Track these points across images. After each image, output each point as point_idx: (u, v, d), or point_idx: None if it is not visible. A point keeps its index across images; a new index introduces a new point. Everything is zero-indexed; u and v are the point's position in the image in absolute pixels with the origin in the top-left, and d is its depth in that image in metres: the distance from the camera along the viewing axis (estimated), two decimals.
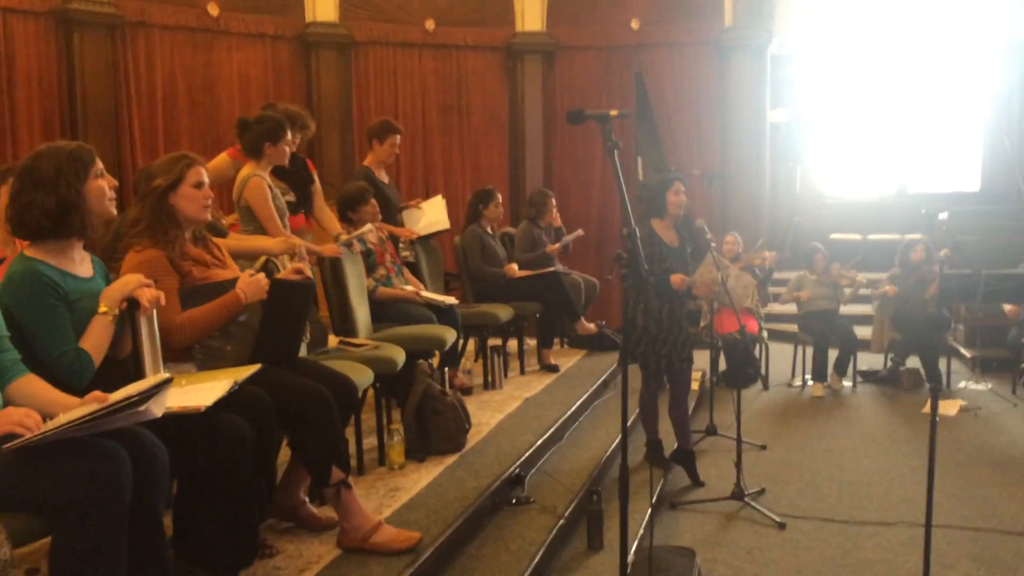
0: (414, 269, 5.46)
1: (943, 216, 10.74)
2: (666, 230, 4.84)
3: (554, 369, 5.94)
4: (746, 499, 4.58)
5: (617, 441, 4.89)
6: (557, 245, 6.74)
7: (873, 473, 5.14)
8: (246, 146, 4.10)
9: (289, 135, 4.24)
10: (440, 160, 10.21)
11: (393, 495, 3.40)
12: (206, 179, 2.94)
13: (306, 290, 2.91)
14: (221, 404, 2.34)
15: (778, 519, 4.36)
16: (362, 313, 4.48)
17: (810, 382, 7.38)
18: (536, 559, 3.25)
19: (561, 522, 3.62)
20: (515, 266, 6.04)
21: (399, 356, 3.87)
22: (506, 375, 5.71)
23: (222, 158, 4.63)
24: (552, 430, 4.53)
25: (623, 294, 3.62)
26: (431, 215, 5.74)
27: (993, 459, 5.40)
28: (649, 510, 4.15)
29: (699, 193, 10.13)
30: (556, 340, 6.75)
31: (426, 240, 5.67)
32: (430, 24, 9.94)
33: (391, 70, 9.95)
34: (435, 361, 4.71)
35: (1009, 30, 11.29)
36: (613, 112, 2.54)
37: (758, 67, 10.36)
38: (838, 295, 7.65)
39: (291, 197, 4.58)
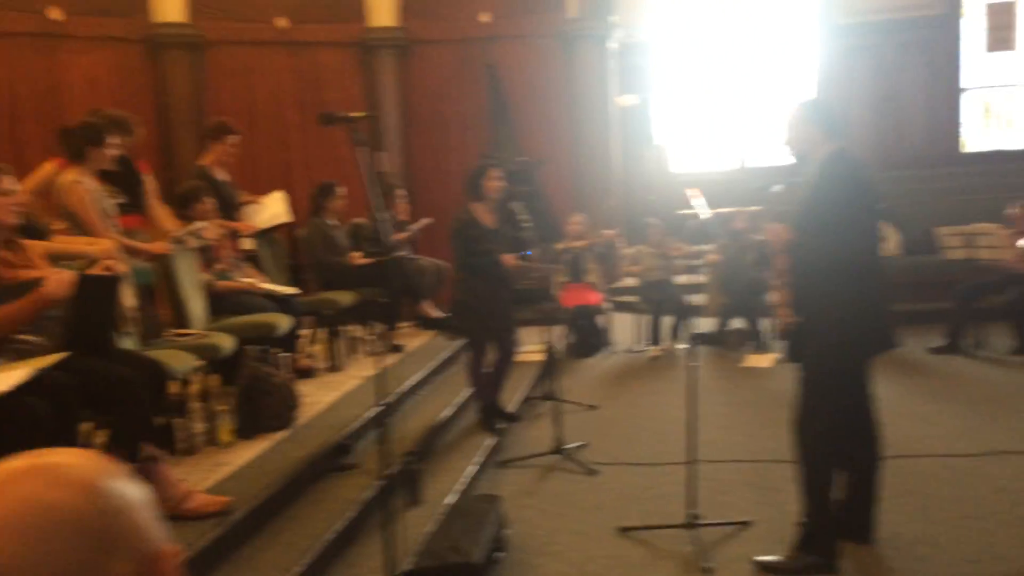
0: (256, 262, 5.73)
1: (776, 188, 11.61)
2: (485, 213, 5.26)
3: (398, 349, 6.32)
4: (564, 452, 5.07)
5: (449, 408, 5.32)
6: (404, 234, 7.13)
7: (685, 422, 5.70)
8: (68, 152, 4.31)
9: (112, 139, 4.48)
10: (300, 156, 10.39)
11: (217, 469, 3.72)
12: (15, 186, 3.18)
13: (110, 284, 3.19)
14: (24, 389, 2.61)
15: (591, 467, 4.87)
16: (196, 306, 4.75)
17: (649, 347, 7.98)
18: (351, 517, 3.62)
19: (379, 482, 3.99)
20: (357, 255, 6.38)
21: (225, 343, 4.17)
22: (352, 357, 6.06)
23: (45, 167, 4.79)
24: (384, 403, 4.89)
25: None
26: (271, 209, 6.02)
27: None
28: (471, 467, 4.60)
29: (553, 176, 10.70)
30: (410, 323, 7.14)
31: (267, 234, 5.95)
32: (282, 22, 10.09)
33: (245, 69, 10.06)
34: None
35: (829, 14, 12.23)
36: (356, 114, 2.91)
37: (601, 56, 10.92)
38: (671, 265, 8.27)
39: (123, 199, 4.79)
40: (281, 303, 5.25)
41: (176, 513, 3.09)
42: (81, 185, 4.22)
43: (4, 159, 8.29)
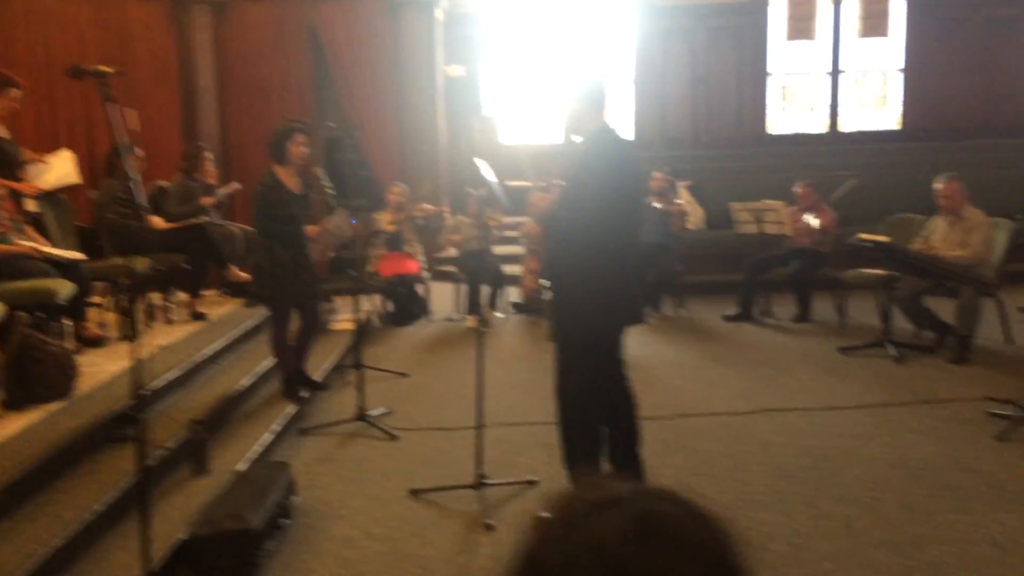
0: (40, 225, 5.38)
1: None
2: (290, 177, 5.16)
3: (201, 317, 6.12)
4: (367, 419, 5.09)
5: (249, 377, 5.22)
6: (211, 199, 6.88)
7: (490, 387, 5.85)
8: None
9: None
10: (102, 114, 9.77)
11: None
12: None
13: None
14: None
15: (393, 433, 4.92)
16: None
17: (466, 316, 8.09)
18: (125, 488, 3.50)
19: (161, 452, 3.89)
20: (158, 219, 6.11)
21: None
22: (150, 326, 5.82)
23: None
24: (175, 373, 4.75)
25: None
26: (58, 169, 5.65)
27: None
28: (267, 435, 4.54)
29: (379, 145, 10.61)
30: (217, 291, 6.92)
31: (53, 195, 5.59)
32: None
33: (43, 19, 9.36)
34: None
35: None
36: (106, 68, 2.79)
37: (428, 23, 10.88)
38: (489, 236, 8.40)
39: None
40: (64, 268, 4.97)
41: None
42: None
43: None
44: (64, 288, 4.60)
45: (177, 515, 3.53)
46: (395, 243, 8.29)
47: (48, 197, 5.54)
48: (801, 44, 13.15)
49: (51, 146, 8.73)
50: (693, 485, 4.04)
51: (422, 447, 4.74)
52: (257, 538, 3.29)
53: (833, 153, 12.44)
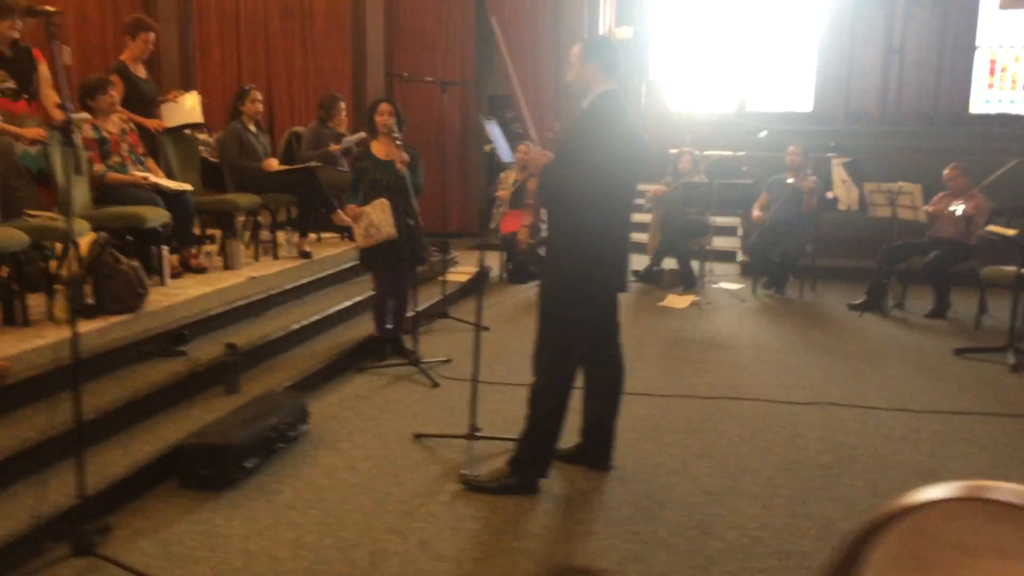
0: (160, 158, 5.95)
1: (763, 135, 11.45)
2: (381, 147, 5.38)
3: (307, 256, 6.54)
4: (420, 364, 5.28)
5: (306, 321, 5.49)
6: (339, 146, 7.31)
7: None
8: None
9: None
10: (283, 64, 10.55)
11: (37, 341, 4.00)
12: None
13: None
14: None
15: (437, 381, 5.08)
16: (77, 192, 5.00)
17: None
18: (151, 396, 3.90)
19: (199, 369, 4.27)
20: (274, 161, 6.57)
21: (65, 227, 4.39)
22: (257, 259, 6.32)
23: None
24: (244, 303, 5.15)
25: None
26: (186, 109, 6.22)
27: (677, 341, 6.17)
28: (317, 366, 4.85)
29: (536, 105, 10.67)
30: (338, 234, 7.37)
31: (176, 132, 6.15)
32: None
33: None
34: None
35: None
36: (51, 8, 2.93)
37: None
38: None
39: (11, 84, 5.03)
40: (171, 198, 5.49)
41: None
42: None
43: None
44: (154, 215, 5.09)
45: (191, 425, 3.87)
46: (519, 201, 8.38)
47: (173, 133, 6.11)
48: (1018, 15, 11.77)
49: (232, 89, 9.64)
50: (690, 466, 3.90)
51: (458, 397, 4.84)
52: (236, 455, 3.56)
53: None
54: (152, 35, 6.05)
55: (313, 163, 6.58)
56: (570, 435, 3.82)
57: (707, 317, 6.95)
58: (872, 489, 3.68)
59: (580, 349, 3.61)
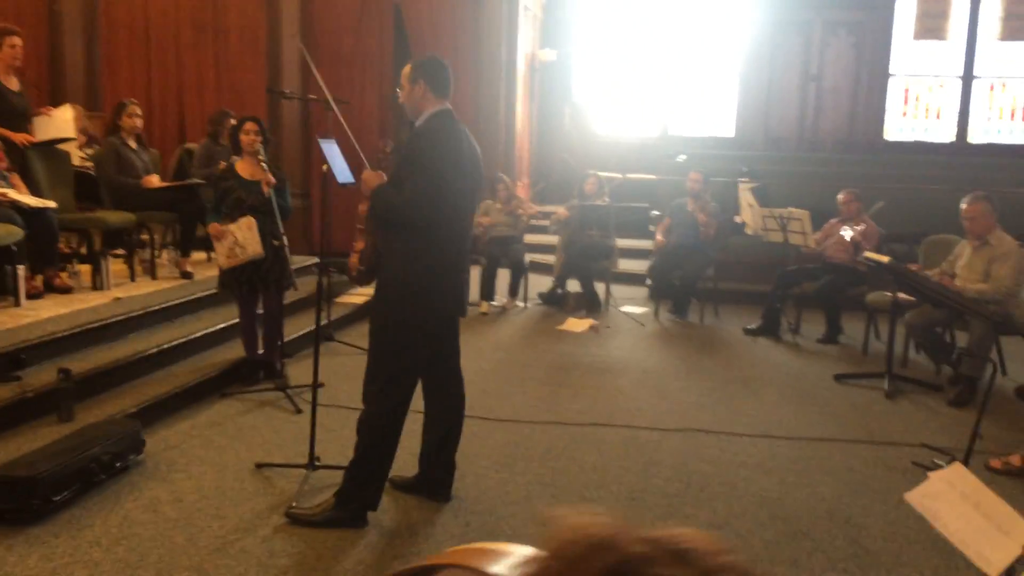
0: (27, 173, 5.73)
1: (682, 159, 11.51)
2: (246, 167, 5.24)
3: (189, 276, 6.35)
4: (285, 390, 5.11)
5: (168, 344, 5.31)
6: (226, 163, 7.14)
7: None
8: None
9: None
10: (194, 78, 10.34)
11: None
12: None
13: None
14: None
15: (300, 407, 4.91)
16: None
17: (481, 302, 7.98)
18: None
19: (28, 395, 4.07)
20: (154, 178, 6.38)
21: None
22: (133, 279, 6.11)
23: None
24: (96, 325, 4.95)
25: None
26: (58, 123, 6.02)
27: (563, 365, 6.08)
28: (173, 390, 4.66)
29: None
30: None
31: (46, 146, 5.94)
32: None
33: None
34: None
35: None
36: None
37: (511, 6, 10.76)
38: (518, 223, 8.24)
39: None
40: (31, 216, 5.28)
41: None
42: None
43: None
44: (3, 233, 4.88)
45: (9, 456, 3.67)
46: None
47: (42, 148, 5.90)
48: (930, 44, 12.03)
49: (145, 104, 9.43)
50: (533, 496, 3.80)
51: (318, 424, 4.68)
52: (43, 487, 3.37)
53: (958, 165, 11.28)
54: (17, 39, 5.84)
55: (196, 180, 6.40)
56: (412, 463, 3.70)
57: (602, 341, 6.89)
58: (711, 518, 3.61)
59: (410, 377, 3.49)
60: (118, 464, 3.81)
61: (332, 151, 3.90)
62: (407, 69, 3.51)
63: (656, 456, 4.33)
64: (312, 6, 10.54)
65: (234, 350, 5.57)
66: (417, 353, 3.48)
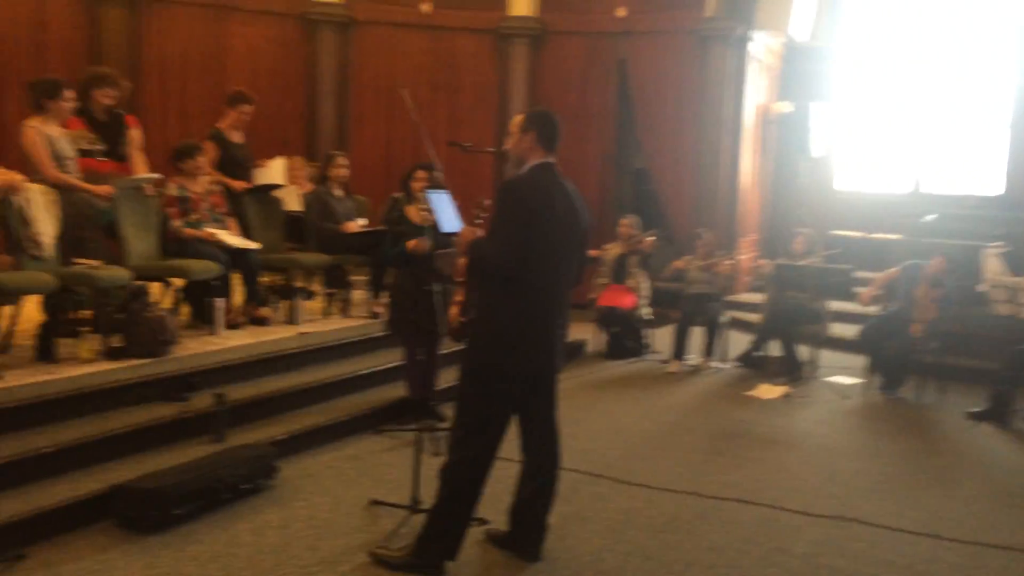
0: (242, 217, 6.38)
1: (929, 218, 10.44)
2: (415, 212, 5.53)
3: (376, 316, 6.71)
4: (437, 433, 5.20)
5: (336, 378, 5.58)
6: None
7: (605, 431, 5.57)
8: (31, 103, 5.18)
9: (102, 91, 5.45)
10: (429, 134, 11.02)
11: (47, 374, 4.37)
12: None
13: None
14: None
15: (439, 451, 4.97)
16: (139, 244, 5.49)
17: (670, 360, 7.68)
18: (137, 432, 4.16)
19: (187, 415, 4.48)
20: (352, 224, 6.83)
21: (101, 275, 4.78)
22: (326, 316, 6.59)
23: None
24: (268, 356, 5.35)
25: None
26: (271, 172, 6.69)
27: (731, 433, 5.68)
28: (323, 420, 4.93)
29: (673, 179, 10.44)
30: None
31: (260, 192, 6.58)
32: (426, 7, 10.77)
33: (388, 48, 10.87)
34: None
35: None
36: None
37: (738, 58, 10.47)
38: (716, 280, 7.88)
39: (100, 146, 5.64)
40: (237, 255, 5.86)
41: None
42: (33, 129, 5.06)
43: (174, 110, 9.73)
44: (200, 269, 5.43)
45: (159, 468, 4.05)
46: (620, 275, 8.17)
47: (256, 194, 6.55)
48: None
49: (384, 156, 10.26)
50: (627, 569, 3.54)
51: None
52: (164, 500, 3.67)
53: None
54: (249, 107, 6.56)
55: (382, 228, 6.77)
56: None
57: (790, 411, 6.36)
58: None
59: (493, 428, 3.42)
60: (245, 486, 4.07)
61: (440, 201, 3.97)
62: (519, 118, 3.52)
63: (788, 544, 3.88)
64: (541, 65, 10.90)
65: (400, 389, 5.78)
66: (501, 404, 3.41)
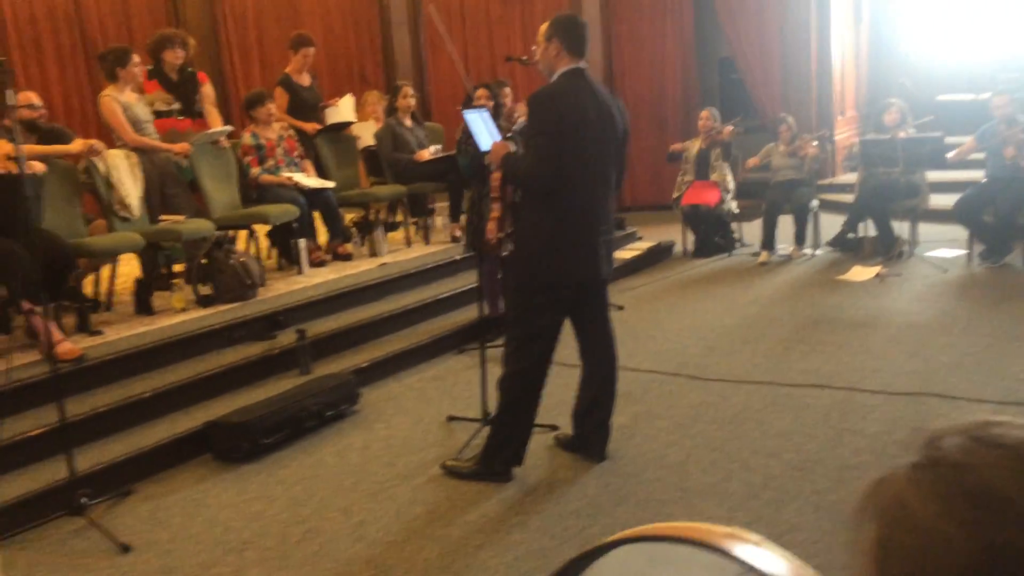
0: (317, 157, 6.60)
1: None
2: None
3: (456, 240, 6.86)
4: None
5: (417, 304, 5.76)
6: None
7: (695, 330, 5.57)
8: (104, 74, 5.48)
9: (172, 52, 5.70)
10: (504, 49, 10.94)
11: (144, 326, 4.74)
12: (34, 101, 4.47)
13: (8, 182, 4.24)
14: None
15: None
16: (220, 195, 5.78)
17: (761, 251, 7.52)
18: (228, 372, 4.48)
19: (273, 352, 4.77)
20: (425, 152, 6.94)
21: (185, 229, 5.10)
22: (409, 245, 6.78)
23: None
24: (350, 289, 5.58)
25: None
26: (341, 111, 6.84)
27: (817, 320, 5.58)
28: (405, 345, 5.15)
29: (760, 68, 10.02)
30: None
31: (332, 131, 6.76)
32: None
33: None
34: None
35: None
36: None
37: None
38: (803, 165, 7.60)
39: (177, 105, 5.92)
40: (313, 195, 6.09)
41: (46, 355, 4.14)
42: (108, 98, 5.37)
43: (255, 60, 10.04)
44: (279, 212, 5.69)
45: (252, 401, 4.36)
46: (703, 170, 7.99)
47: (328, 134, 6.73)
48: None
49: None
50: (690, 460, 3.61)
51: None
52: (253, 432, 3.96)
53: None
54: (311, 49, 6.71)
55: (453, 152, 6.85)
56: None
57: (883, 291, 6.16)
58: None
59: (543, 339, 3.50)
60: (329, 413, 4.33)
61: (475, 122, 3.99)
62: (544, 27, 3.49)
63: (860, 424, 3.84)
64: None
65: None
66: (549, 316, 3.48)
